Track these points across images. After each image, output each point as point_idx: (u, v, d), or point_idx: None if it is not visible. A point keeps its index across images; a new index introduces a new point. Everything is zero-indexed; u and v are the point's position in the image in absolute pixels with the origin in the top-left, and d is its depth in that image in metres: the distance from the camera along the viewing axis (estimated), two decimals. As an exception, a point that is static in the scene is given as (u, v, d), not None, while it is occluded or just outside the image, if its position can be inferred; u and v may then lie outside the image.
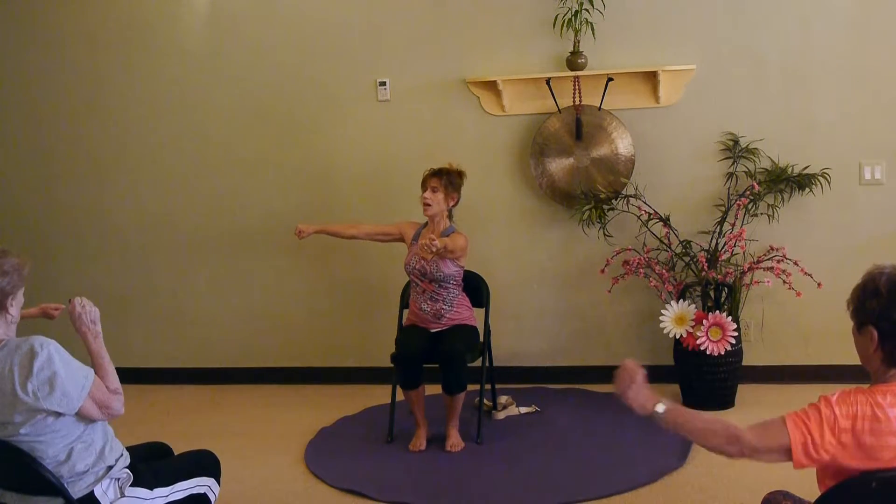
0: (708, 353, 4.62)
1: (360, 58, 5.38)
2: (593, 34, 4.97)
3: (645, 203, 4.95)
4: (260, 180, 5.59)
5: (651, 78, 5.04)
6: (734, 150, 5.01)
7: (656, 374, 5.31)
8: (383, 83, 5.37)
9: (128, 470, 2.77)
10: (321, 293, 5.62)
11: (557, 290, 5.34)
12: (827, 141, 4.98)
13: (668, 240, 4.94)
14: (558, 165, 5.15)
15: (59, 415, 2.58)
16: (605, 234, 5.01)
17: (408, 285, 4.70)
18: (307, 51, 5.44)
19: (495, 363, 4.87)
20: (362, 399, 5.20)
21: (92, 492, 2.66)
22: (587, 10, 4.92)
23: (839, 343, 4.57)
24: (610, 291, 5.04)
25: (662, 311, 4.74)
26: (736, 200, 4.84)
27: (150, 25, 5.60)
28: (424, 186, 4.48)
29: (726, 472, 3.90)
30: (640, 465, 3.96)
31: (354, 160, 5.46)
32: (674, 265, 4.95)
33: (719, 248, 4.81)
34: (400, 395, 4.49)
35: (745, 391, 4.91)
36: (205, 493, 2.96)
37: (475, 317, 4.61)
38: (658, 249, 4.97)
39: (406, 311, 4.73)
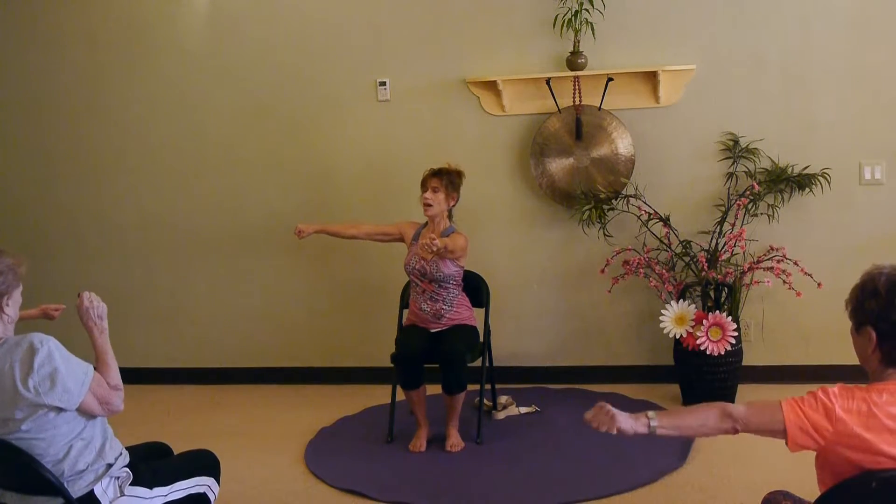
0: (708, 353, 4.62)
1: (360, 58, 5.39)
2: (593, 34, 4.97)
3: (645, 203, 4.95)
4: (260, 180, 5.59)
5: (651, 78, 5.04)
6: (734, 150, 5.01)
7: (656, 374, 5.39)
8: (383, 83, 5.37)
9: (127, 469, 2.77)
10: (321, 293, 5.62)
11: (557, 290, 5.35)
12: (827, 141, 4.98)
13: (668, 240, 4.94)
14: (558, 165, 5.15)
15: (60, 410, 2.59)
16: (605, 234, 5.01)
17: (408, 285, 4.70)
18: (307, 51, 5.44)
19: (495, 363, 4.87)
20: (362, 399, 5.21)
21: (92, 490, 2.67)
22: (587, 10, 4.92)
23: (839, 343, 4.56)
24: (610, 291, 5.05)
25: (662, 311, 4.74)
26: (736, 200, 4.84)
27: (150, 25, 5.60)
28: (425, 187, 4.48)
29: (726, 472, 3.90)
30: (640, 465, 3.96)
31: (354, 160, 5.46)
32: (674, 265, 4.95)
33: (719, 248, 4.81)
34: (400, 395, 4.49)
35: (745, 391, 4.92)
36: (204, 493, 2.96)
37: (475, 317, 4.61)
38: (658, 249, 4.97)
39: (406, 311, 4.73)
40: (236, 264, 5.69)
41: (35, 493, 2.64)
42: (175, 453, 3.16)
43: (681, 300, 4.74)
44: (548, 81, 5.06)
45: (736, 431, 2.17)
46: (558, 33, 5.03)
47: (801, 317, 5.04)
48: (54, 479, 2.60)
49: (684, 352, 4.73)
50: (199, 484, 2.95)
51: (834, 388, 2.11)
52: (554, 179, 5.16)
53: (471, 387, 4.45)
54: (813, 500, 2.20)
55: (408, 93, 5.36)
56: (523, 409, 4.84)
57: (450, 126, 5.33)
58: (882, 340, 2.13)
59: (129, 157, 5.74)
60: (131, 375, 2.89)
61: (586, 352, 5.37)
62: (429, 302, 4.49)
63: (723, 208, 4.94)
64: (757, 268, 4.73)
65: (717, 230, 4.88)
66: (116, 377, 2.76)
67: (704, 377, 4.74)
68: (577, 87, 5.03)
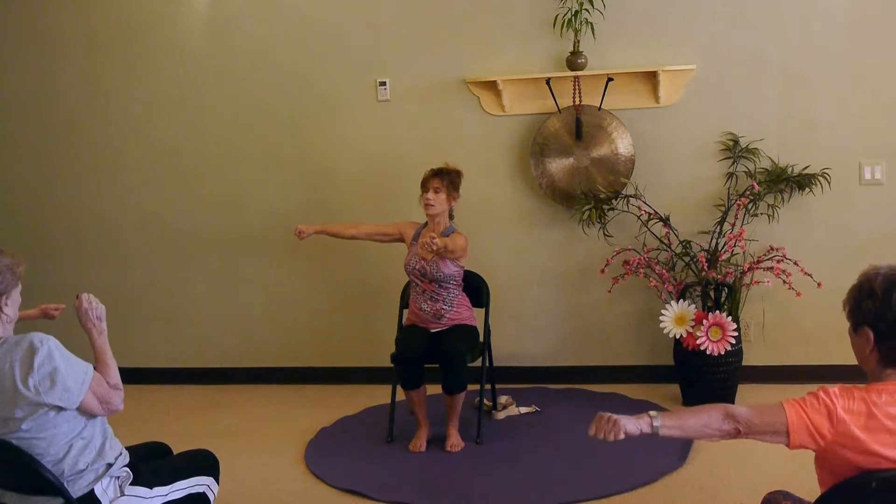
0: (708, 353, 4.62)
1: (360, 58, 5.39)
2: (593, 34, 4.97)
3: (645, 203, 4.95)
4: (260, 180, 5.59)
5: (651, 78, 5.04)
6: (734, 150, 5.01)
7: (656, 374, 5.38)
8: (383, 83, 5.37)
9: (127, 469, 2.77)
10: (321, 293, 5.62)
11: (557, 290, 5.34)
12: (827, 141, 4.98)
13: (668, 240, 4.94)
14: (558, 165, 5.15)
15: (60, 409, 2.59)
16: (605, 234, 5.01)
17: (408, 285, 4.70)
18: (307, 51, 5.44)
19: (495, 363, 4.87)
20: (362, 399, 5.20)
21: (92, 490, 2.67)
22: (587, 10, 4.92)
23: (839, 343, 4.55)
24: (610, 291, 5.05)
25: (662, 311, 4.74)
26: (736, 200, 4.84)
27: (150, 25, 5.60)
28: (426, 187, 4.47)
29: (726, 472, 3.90)
30: (640, 465, 3.96)
31: (354, 160, 5.46)
32: (674, 265, 4.95)
33: (719, 248, 4.81)
34: (400, 395, 4.49)
35: (745, 391, 4.92)
36: (204, 493, 2.96)
37: (475, 317, 4.61)
38: (658, 249, 4.97)
39: (406, 311, 4.73)
40: (236, 264, 5.69)
41: (35, 493, 2.65)
42: (175, 453, 3.16)
43: (681, 300, 4.74)
44: (548, 81, 5.06)
45: (738, 433, 2.16)
46: (558, 33, 5.03)
47: (801, 317, 5.04)
48: (54, 478, 2.60)
49: (684, 352, 4.73)
50: (198, 484, 2.95)
51: (834, 389, 2.11)
52: (554, 179, 5.16)
53: (471, 387, 4.45)
54: (813, 500, 2.20)
55: (408, 93, 5.36)
56: (523, 409, 4.84)
57: (450, 126, 5.33)
58: (879, 341, 2.13)
59: (129, 157, 5.75)
60: (131, 375, 2.90)
61: (586, 352, 5.37)
62: (429, 302, 4.49)
63: (723, 208, 4.94)
64: (757, 268, 4.73)
65: (717, 230, 4.88)
66: (116, 377, 2.77)
67: (704, 377, 4.74)
68: (577, 87, 5.03)
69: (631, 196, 4.99)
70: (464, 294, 4.58)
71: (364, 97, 5.41)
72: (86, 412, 2.66)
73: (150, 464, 2.90)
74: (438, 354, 4.33)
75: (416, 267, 4.47)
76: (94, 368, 2.73)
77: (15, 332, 2.70)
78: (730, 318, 4.63)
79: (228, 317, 5.75)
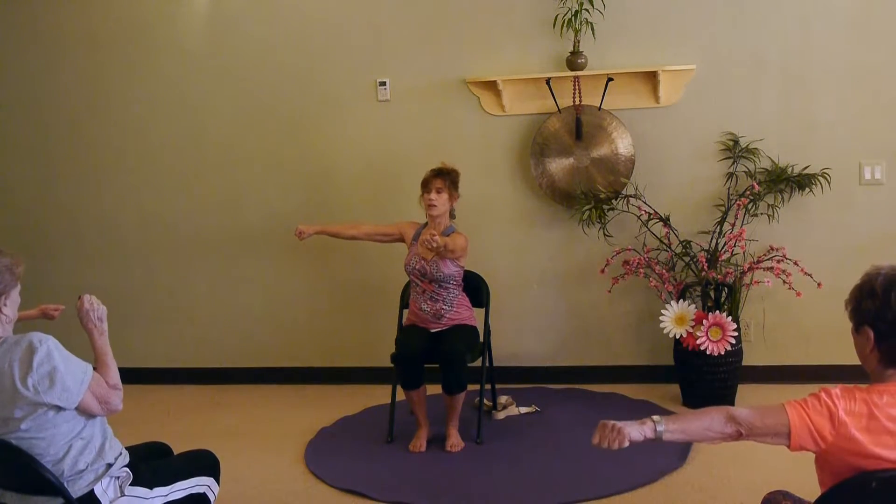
0: (708, 353, 4.62)
1: (360, 58, 5.39)
2: (593, 34, 4.97)
3: (645, 203, 4.95)
4: (260, 180, 5.59)
5: (651, 78, 5.04)
6: (734, 150, 5.01)
7: (656, 374, 5.38)
8: (383, 83, 5.37)
9: (127, 469, 2.77)
10: (321, 293, 5.62)
11: (557, 290, 5.34)
12: (827, 141, 4.98)
13: (668, 240, 4.94)
14: (558, 165, 5.15)
15: (59, 409, 2.59)
16: (605, 234, 5.01)
17: (408, 285, 4.70)
18: (307, 51, 5.44)
19: (495, 363, 4.87)
20: (362, 399, 5.21)
21: (92, 490, 2.67)
22: (587, 10, 4.92)
23: (839, 343, 4.56)
24: (610, 291, 5.05)
25: (662, 311, 4.74)
26: (736, 200, 4.84)
27: (150, 25, 5.60)
28: (428, 188, 4.47)
29: (726, 472, 3.90)
30: (640, 465, 3.95)
31: (354, 160, 5.46)
32: (674, 265, 4.95)
33: (719, 248, 4.81)
34: (400, 395, 4.49)
35: (745, 391, 4.91)
36: (204, 493, 2.96)
37: (475, 317, 4.61)
38: (658, 249, 4.97)
39: (406, 311, 4.73)
40: (236, 264, 5.69)
41: (35, 493, 2.64)
42: (175, 453, 3.16)
43: (681, 300, 4.74)
44: (548, 81, 5.06)
45: (740, 435, 2.16)
46: (558, 33, 5.03)
47: (801, 317, 5.04)
48: (54, 478, 2.60)
49: (684, 352, 4.73)
50: (199, 484, 2.95)
51: (836, 390, 2.11)
52: (554, 179, 5.16)
53: (471, 387, 4.45)
54: (813, 501, 2.20)
55: (408, 93, 5.36)
56: (523, 409, 4.84)
57: (450, 126, 5.33)
58: (879, 340, 2.14)
59: (129, 157, 5.75)
60: (131, 375, 2.90)
61: (586, 352, 5.37)
62: (429, 302, 4.49)
63: (723, 208, 4.94)
64: (757, 268, 4.73)
65: (717, 230, 4.88)
66: (116, 377, 2.77)
67: (704, 377, 4.74)
68: (577, 87, 5.03)
69: (631, 196, 4.99)
70: (464, 294, 4.58)
71: (364, 97, 5.41)
72: (85, 412, 2.66)
73: (150, 464, 2.90)
74: (438, 354, 4.33)
75: (416, 267, 4.47)
76: (94, 369, 2.73)
77: (14, 333, 2.70)
78: (730, 318, 4.63)
79: (228, 317, 5.75)
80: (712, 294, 4.78)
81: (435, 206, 4.45)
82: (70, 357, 2.64)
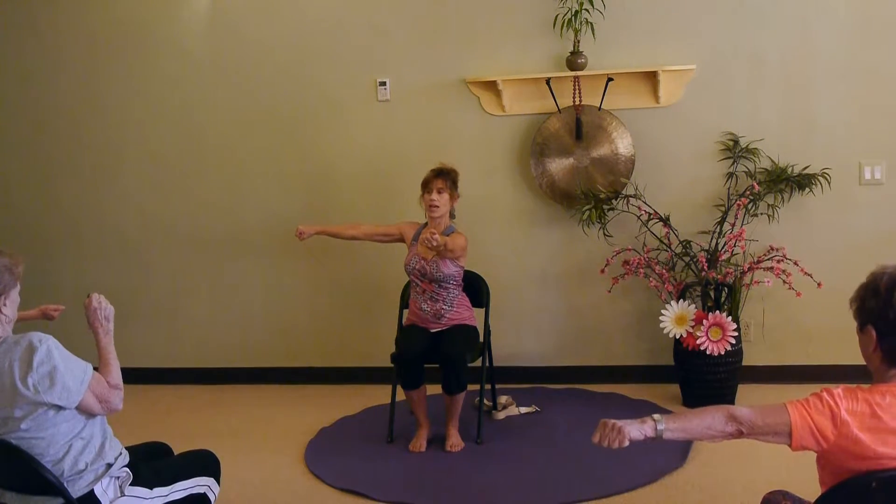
0: (708, 353, 4.62)
1: (360, 58, 5.38)
2: (593, 34, 4.97)
3: (645, 203, 4.95)
4: (260, 180, 5.59)
5: (651, 78, 5.04)
6: (734, 150, 5.01)
7: (656, 374, 5.38)
8: (383, 83, 5.37)
9: (127, 469, 2.77)
10: (321, 293, 5.62)
11: (557, 290, 5.34)
12: (827, 141, 4.98)
13: (668, 240, 4.94)
14: (558, 165, 5.15)
15: (59, 409, 2.59)
16: (605, 234, 5.01)
17: (408, 285, 4.70)
18: (307, 51, 5.44)
19: (495, 363, 4.87)
20: (362, 399, 5.20)
21: (92, 490, 2.67)
22: (587, 10, 4.92)
23: (839, 343, 4.60)
24: (610, 291, 5.05)
25: (662, 311, 4.74)
26: (736, 200, 4.84)
27: (150, 26, 5.60)
28: (429, 188, 4.47)
29: (726, 472, 3.90)
30: (640, 465, 3.95)
31: (354, 160, 5.46)
32: (674, 265, 4.95)
33: (719, 248, 4.81)
34: (400, 395, 4.49)
35: (745, 391, 4.91)
36: (204, 493, 2.96)
37: (475, 317, 4.61)
38: (658, 249, 4.97)
39: (406, 311, 4.73)
40: (236, 264, 5.69)
41: (35, 493, 2.65)
42: (175, 453, 3.16)
43: (681, 300, 4.74)
44: (548, 81, 5.06)
45: (741, 434, 2.16)
46: (558, 33, 5.03)
47: (801, 317, 5.04)
48: (54, 478, 2.60)
49: (684, 352, 4.73)
50: (199, 484, 2.95)
51: (838, 390, 2.11)
52: (554, 179, 5.16)
53: (471, 387, 4.45)
54: (813, 501, 2.20)
55: (408, 93, 5.36)
56: (523, 409, 4.84)
57: (450, 126, 5.33)
58: (882, 339, 2.14)
59: (128, 157, 5.74)
60: (131, 375, 2.90)
61: (586, 352, 5.37)
62: (429, 302, 4.49)
63: (723, 208, 4.94)
64: (757, 268, 4.73)
65: (717, 230, 4.88)
66: (117, 377, 2.78)
67: (704, 377, 4.74)
68: (577, 87, 5.03)
69: (631, 196, 4.99)
70: (464, 294, 4.58)
71: (364, 97, 5.41)
72: (85, 411, 2.67)
73: (151, 464, 2.90)
74: (438, 354, 4.33)
75: (416, 267, 4.47)
76: (97, 367, 2.74)
77: (14, 333, 2.70)
78: (730, 318, 4.63)
79: (228, 317, 5.75)
80: (712, 294, 4.78)
81: (437, 206, 4.45)
82: (70, 357, 2.64)
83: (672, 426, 2.18)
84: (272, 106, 5.52)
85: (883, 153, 4.96)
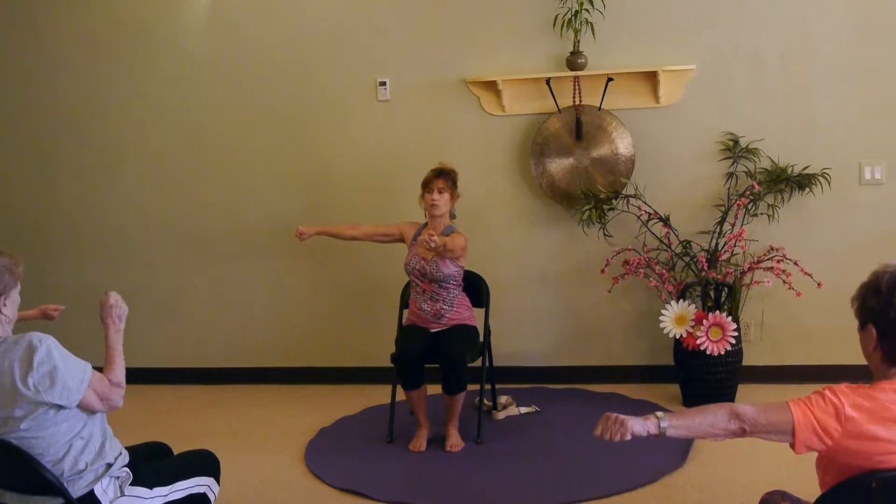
0: (708, 353, 4.62)
1: (360, 58, 5.39)
2: (593, 34, 4.97)
3: (645, 203, 4.95)
4: (260, 180, 5.59)
5: (651, 78, 5.04)
6: (734, 150, 5.01)
7: (656, 374, 5.38)
8: (383, 83, 5.37)
9: (127, 469, 2.77)
10: (321, 293, 5.62)
11: (557, 290, 5.34)
12: (827, 141, 4.98)
13: (668, 240, 4.94)
14: (558, 165, 5.15)
15: (59, 408, 2.60)
16: (605, 234, 5.01)
17: (408, 285, 4.70)
18: (307, 51, 5.44)
19: (495, 363, 4.87)
20: (362, 399, 5.20)
21: (92, 490, 2.67)
22: (587, 10, 4.92)
23: (839, 343, 4.60)
24: (610, 291, 5.05)
25: (662, 311, 4.74)
26: (736, 200, 4.84)
27: (150, 26, 5.60)
28: (429, 188, 4.47)
29: (726, 472, 3.90)
30: (640, 465, 3.96)
31: (354, 160, 5.46)
32: (674, 265, 4.95)
33: (719, 248, 4.81)
34: (400, 395, 4.49)
35: (745, 391, 4.92)
36: (204, 493, 2.96)
37: (475, 317, 4.61)
38: (658, 249, 4.97)
39: (406, 311, 4.73)
40: (236, 264, 5.69)
41: (35, 493, 2.65)
42: (175, 453, 3.16)
43: (681, 300, 4.74)
44: (548, 81, 5.06)
45: (744, 432, 2.15)
46: (558, 33, 5.03)
47: (801, 317, 5.04)
48: (54, 478, 2.60)
49: (684, 352, 4.73)
50: (199, 484, 2.95)
51: (841, 387, 2.11)
52: (554, 179, 5.16)
53: (471, 387, 4.45)
54: (812, 501, 2.20)
55: (408, 93, 5.36)
56: (523, 409, 4.84)
57: (450, 126, 5.33)
58: (882, 338, 2.14)
59: (128, 157, 5.74)
60: (131, 375, 2.90)
61: (586, 352, 5.37)
62: (429, 302, 4.49)
63: (723, 208, 4.94)
64: (757, 268, 4.73)
65: (717, 230, 4.88)
66: (120, 375, 2.78)
67: (704, 377, 4.74)
68: (577, 87, 5.03)
69: (631, 196, 4.99)
70: (464, 294, 4.58)
71: (364, 97, 5.41)
72: (86, 409, 2.67)
73: (150, 464, 2.90)
74: (438, 354, 4.33)
75: (416, 267, 4.47)
76: (103, 364, 2.75)
77: (14, 333, 2.70)
78: (730, 318, 4.63)
79: (228, 317, 5.75)
80: (712, 294, 4.78)
81: (437, 205, 4.45)
82: (69, 356, 2.64)
83: (675, 423, 2.18)
84: (272, 106, 5.52)
85: (883, 153, 4.96)
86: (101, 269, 5.82)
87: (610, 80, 5.00)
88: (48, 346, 2.59)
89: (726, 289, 4.77)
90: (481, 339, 4.62)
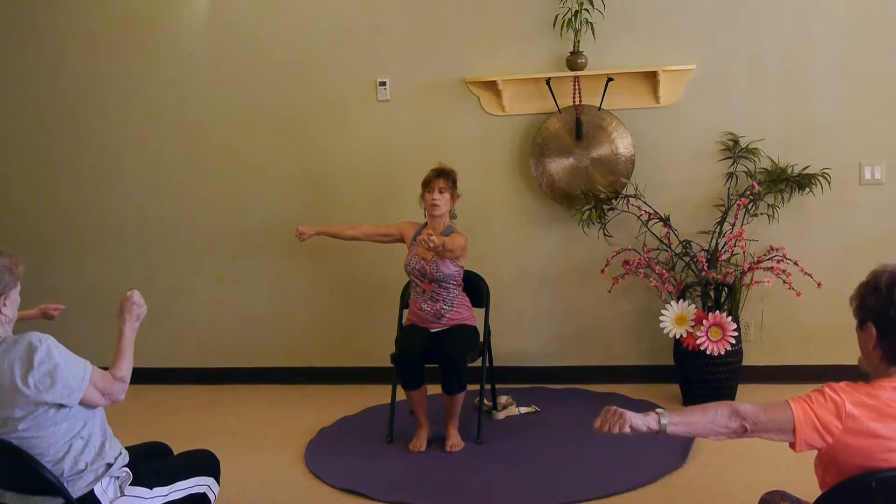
0: (708, 353, 4.62)
1: (360, 58, 5.39)
2: (593, 34, 4.97)
3: (645, 203, 4.95)
4: (260, 180, 5.59)
5: (651, 78, 5.04)
6: (734, 150, 5.01)
7: (656, 374, 5.38)
8: (383, 83, 5.37)
9: (127, 469, 2.77)
10: (321, 293, 5.62)
11: (557, 290, 5.34)
12: (827, 141, 4.98)
13: (668, 240, 4.94)
14: (558, 165, 5.15)
15: (60, 407, 2.60)
16: (605, 234, 5.01)
17: (408, 285, 4.70)
18: (307, 51, 5.44)
19: (495, 363, 4.87)
20: (362, 399, 5.20)
21: (92, 490, 2.67)
22: (587, 10, 4.92)
23: (839, 343, 4.59)
24: (610, 291, 5.04)
25: (662, 311, 4.74)
26: (736, 200, 4.84)
27: (150, 26, 5.60)
28: (430, 187, 4.47)
29: (726, 472, 3.90)
30: (641, 465, 3.96)
31: (354, 160, 5.46)
32: (674, 265, 4.95)
33: (719, 248, 4.81)
34: (400, 395, 4.49)
35: (745, 391, 4.92)
36: (204, 493, 2.96)
37: (475, 317, 4.61)
38: (658, 249, 4.97)
39: (406, 311, 4.73)
40: (236, 264, 5.69)
41: (35, 493, 2.65)
42: (175, 453, 3.16)
43: (681, 300, 4.74)
44: (548, 81, 5.06)
45: (745, 431, 2.15)
46: (558, 33, 5.03)
47: (801, 317, 5.04)
48: (54, 478, 2.60)
49: (684, 352, 4.73)
50: (199, 484, 2.95)
51: (841, 384, 2.11)
52: (554, 179, 5.16)
53: (471, 387, 4.45)
54: (812, 501, 2.20)
55: (408, 93, 5.36)
56: (523, 409, 4.84)
57: (450, 126, 5.33)
58: (881, 337, 2.14)
59: (128, 157, 5.74)
60: (132, 375, 2.90)
61: (586, 352, 5.37)
62: (429, 302, 4.49)
63: (723, 208, 4.94)
64: (757, 268, 4.73)
65: (717, 230, 4.88)
66: (126, 370, 2.79)
67: (704, 377, 4.74)
68: (577, 87, 5.03)
69: (631, 196, 4.99)
70: (464, 294, 4.58)
71: (364, 97, 5.41)
72: (87, 404, 2.68)
73: (150, 464, 2.90)
74: (438, 354, 4.33)
75: (416, 267, 4.47)
76: (111, 359, 2.75)
77: (14, 333, 2.70)
78: (730, 318, 4.63)
79: (228, 317, 5.75)
80: (712, 294, 4.78)
81: (438, 205, 4.45)
82: (69, 355, 2.65)
83: (675, 420, 2.18)
84: (272, 106, 5.52)
85: (883, 153, 4.96)
86: (101, 269, 5.82)
87: (610, 80, 5.00)
88: (48, 345, 2.59)
89: (726, 289, 4.77)
90: (481, 339, 4.62)
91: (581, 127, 5.07)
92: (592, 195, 5.00)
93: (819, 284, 4.62)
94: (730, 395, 4.82)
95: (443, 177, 4.48)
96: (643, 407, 4.74)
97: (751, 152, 4.98)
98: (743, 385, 4.91)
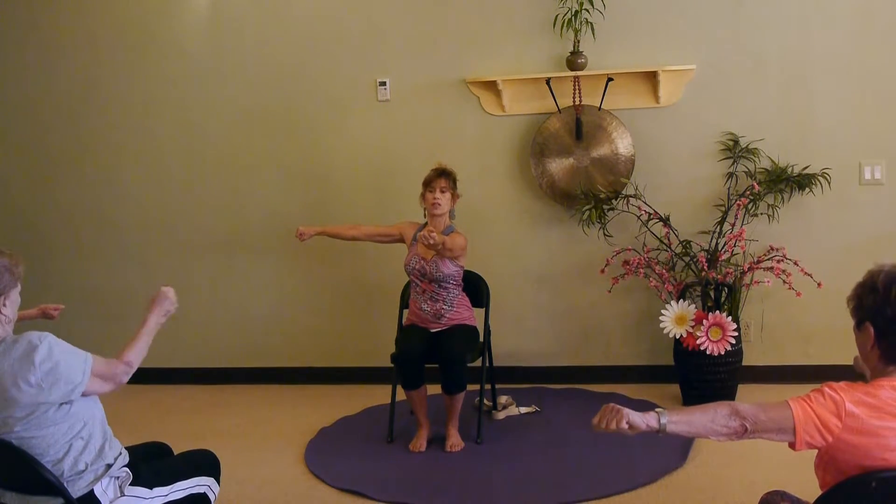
0: (708, 353, 4.62)
1: (360, 58, 5.39)
2: (593, 34, 4.97)
3: (645, 203, 4.95)
4: (260, 180, 5.59)
5: (651, 78, 5.04)
6: (734, 150, 5.01)
7: (656, 374, 5.38)
8: (383, 83, 5.37)
9: (127, 469, 2.77)
10: (321, 293, 5.62)
11: (557, 290, 5.34)
12: (827, 141, 4.98)
13: (668, 240, 4.94)
14: (558, 165, 5.15)
15: (60, 405, 2.60)
16: (605, 234, 5.01)
17: (408, 285, 4.70)
18: (307, 51, 5.44)
19: (495, 363, 4.87)
20: (362, 399, 5.20)
21: (92, 490, 2.67)
22: (587, 10, 4.92)
23: (839, 343, 4.57)
24: (610, 291, 5.05)
25: (662, 311, 4.74)
26: (736, 200, 4.84)
27: (150, 25, 5.60)
28: (431, 187, 4.47)
29: (726, 472, 3.90)
30: (640, 465, 3.96)
31: (354, 160, 5.46)
32: (674, 265, 4.95)
33: (719, 248, 4.81)
34: (400, 395, 4.48)
35: (745, 391, 4.92)
36: (204, 493, 2.96)
37: (475, 317, 4.61)
38: (658, 249, 4.97)
39: (406, 311, 4.73)
40: (237, 264, 5.69)
41: (35, 493, 2.64)
42: (175, 453, 3.16)
43: (681, 300, 4.74)
44: (548, 81, 5.06)
45: (745, 430, 2.15)
46: (558, 33, 5.03)
47: (801, 317, 5.04)
48: (54, 479, 2.60)
49: (684, 352, 4.73)
50: (199, 484, 2.95)
51: (840, 383, 2.11)
52: (554, 179, 5.16)
53: (471, 387, 4.45)
54: (812, 501, 2.20)
55: (408, 93, 5.36)
56: (523, 409, 4.84)
57: (450, 126, 5.33)
58: (880, 337, 2.14)
59: (128, 157, 5.75)
60: (132, 375, 2.90)
61: (586, 352, 5.37)
62: (429, 302, 4.49)
63: (723, 208, 4.94)
64: (757, 268, 4.73)
65: (717, 230, 4.88)
66: (137, 356, 2.84)
67: (704, 377, 4.74)
68: (577, 87, 5.03)
69: (631, 196, 4.99)
70: (464, 294, 4.58)
71: (364, 97, 5.41)
72: (91, 394, 2.68)
73: (151, 464, 2.90)
74: (438, 354, 4.33)
75: (416, 267, 4.47)
76: (128, 341, 2.82)
77: (14, 333, 2.70)
78: (730, 318, 4.63)
79: (228, 317, 5.75)
80: (712, 294, 4.78)
81: (439, 204, 4.45)
82: (69, 350, 2.64)
83: (675, 419, 2.18)
84: (272, 106, 5.52)
85: (883, 153, 4.96)
86: (101, 268, 5.82)
87: (610, 80, 5.00)
88: (49, 343, 2.59)
89: (726, 289, 4.77)
90: (481, 339, 4.62)
91: (581, 127, 5.08)
92: (592, 195, 5.00)
93: (819, 284, 4.62)
94: (730, 395, 4.82)
95: (444, 176, 4.48)
96: (643, 407, 4.71)
97: (751, 152, 4.98)
98: (743, 385, 4.92)
